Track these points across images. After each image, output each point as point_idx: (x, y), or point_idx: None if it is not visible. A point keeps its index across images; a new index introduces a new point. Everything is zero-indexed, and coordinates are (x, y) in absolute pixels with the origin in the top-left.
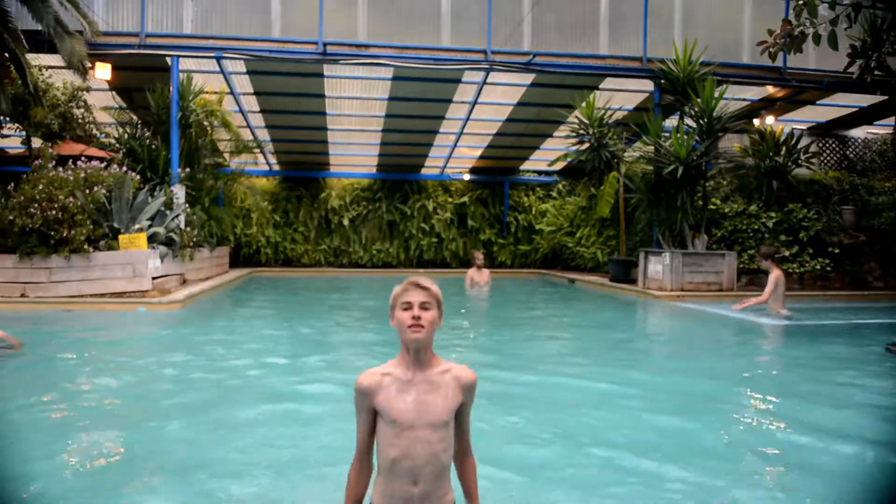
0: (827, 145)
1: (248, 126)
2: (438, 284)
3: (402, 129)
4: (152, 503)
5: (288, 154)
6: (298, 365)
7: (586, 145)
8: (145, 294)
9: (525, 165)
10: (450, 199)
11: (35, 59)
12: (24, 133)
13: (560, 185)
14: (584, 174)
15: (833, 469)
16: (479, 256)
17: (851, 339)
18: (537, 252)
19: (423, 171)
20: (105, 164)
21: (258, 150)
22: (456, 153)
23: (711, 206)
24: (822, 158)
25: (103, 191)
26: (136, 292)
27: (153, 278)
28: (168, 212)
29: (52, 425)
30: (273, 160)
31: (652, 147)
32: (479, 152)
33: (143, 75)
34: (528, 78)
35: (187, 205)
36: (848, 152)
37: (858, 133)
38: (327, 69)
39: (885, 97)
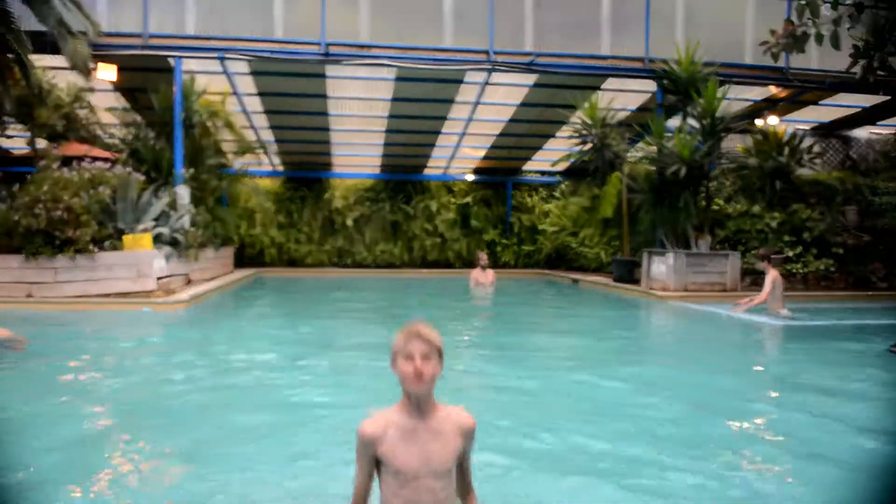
0: (830, 145)
1: (252, 126)
2: (442, 284)
3: (405, 129)
4: (155, 502)
5: (291, 154)
6: (302, 365)
7: (589, 146)
8: (150, 294)
9: (528, 166)
10: (453, 200)
11: (39, 60)
12: (28, 134)
13: (563, 186)
14: (588, 174)
15: (838, 462)
16: (483, 257)
17: (854, 339)
18: (541, 252)
19: (427, 171)
20: (109, 164)
21: (262, 151)
22: (459, 153)
23: (715, 207)
24: (825, 159)
25: (108, 191)
26: (140, 292)
27: (158, 278)
28: (172, 212)
29: (55, 425)
30: (277, 160)
31: (655, 147)
32: (482, 153)
33: (146, 76)
34: (531, 78)
35: (192, 205)
36: (851, 152)
37: (861, 133)
38: (330, 70)
39: (888, 97)
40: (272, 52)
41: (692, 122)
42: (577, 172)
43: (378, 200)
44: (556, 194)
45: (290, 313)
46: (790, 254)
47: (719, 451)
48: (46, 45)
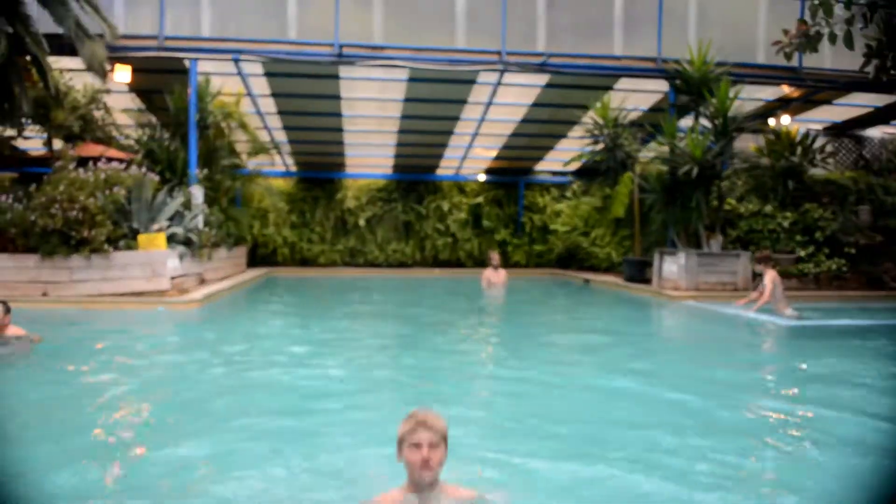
0: (843, 145)
1: (266, 127)
2: (454, 283)
3: (418, 129)
4: (164, 500)
5: (304, 155)
6: (317, 364)
7: (601, 146)
8: (164, 294)
9: (540, 166)
10: (465, 200)
11: (56, 63)
12: (45, 135)
13: (575, 186)
14: (599, 174)
15: (847, 461)
16: (495, 257)
17: (866, 338)
18: (552, 252)
19: (439, 171)
20: (125, 165)
21: (275, 151)
22: (471, 154)
23: (726, 207)
24: (837, 158)
25: (123, 191)
26: (154, 292)
27: (172, 278)
28: (187, 212)
29: (68, 423)
30: (290, 161)
31: (667, 147)
32: (494, 153)
33: (161, 77)
34: (543, 79)
35: (205, 205)
36: (864, 152)
37: (874, 133)
38: (343, 71)
39: None
40: (286, 53)
41: (704, 121)
42: (589, 172)
43: (390, 200)
44: (568, 194)
45: (303, 312)
46: (802, 253)
47: (733, 443)
48: (64, 47)
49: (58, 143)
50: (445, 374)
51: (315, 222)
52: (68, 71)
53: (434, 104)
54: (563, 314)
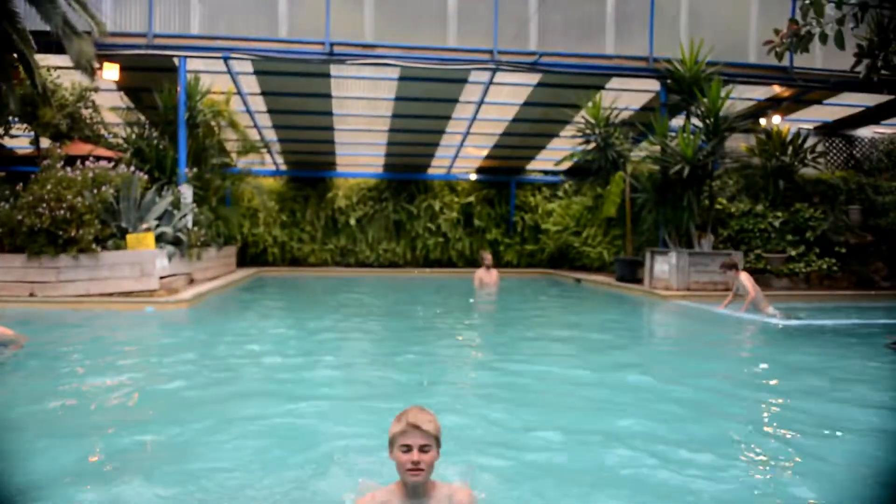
0: (833, 145)
1: (256, 126)
2: (445, 283)
3: (409, 129)
4: (152, 502)
5: (295, 154)
6: (305, 365)
7: (592, 145)
8: (153, 293)
9: (531, 165)
10: (456, 199)
11: (43, 60)
12: (32, 133)
13: (566, 185)
14: (591, 174)
15: (836, 458)
16: (487, 257)
17: (855, 337)
18: (543, 252)
19: (430, 170)
20: (113, 164)
21: (265, 150)
22: (462, 153)
23: (718, 206)
24: (828, 158)
25: (111, 190)
26: (143, 291)
27: (161, 278)
28: (175, 211)
29: (56, 423)
30: (280, 160)
31: (658, 147)
32: (485, 152)
33: (150, 76)
34: (535, 78)
35: (195, 204)
36: (854, 152)
37: (865, 132)
38: (334, 69)
39: (892, 96)
40: (277, 51)
41: (696, 121)
42: (581, 172)
43: (381, 200)
44: (560, 193)
45: (293, 313)
46: (793, 253)
47: (721, 444)
48: (51, 44)
49: (45, 142)
50: (438, 372)
51: (305, 222)
52: (56, 69)
53: (425, 103)
54: (555, 314)
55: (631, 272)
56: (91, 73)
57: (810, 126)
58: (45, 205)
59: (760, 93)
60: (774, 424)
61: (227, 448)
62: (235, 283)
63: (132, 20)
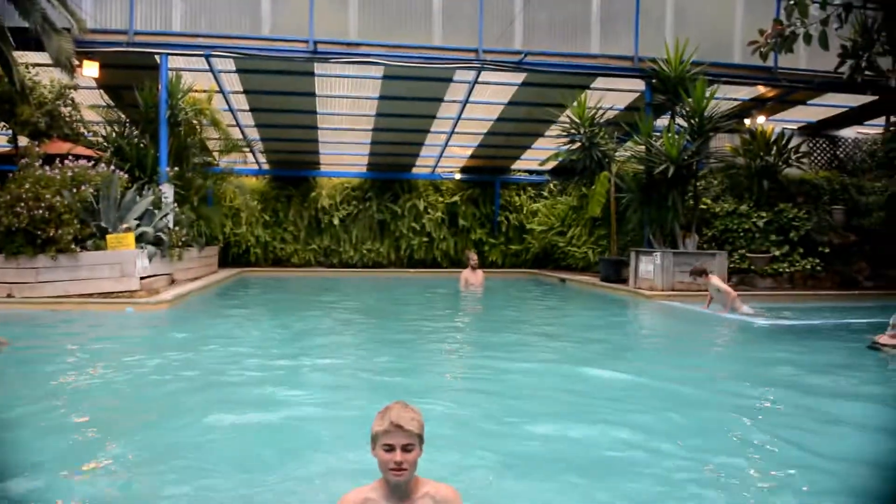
0: (817, 145)
1: (238, 125)
2: (429, 284)
3: (393, 128)
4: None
5: (278, 153)
6: (288, 366)
7: (577, 145)
8: (133, 294)
9: (516, 165)
10: (441, 199)
11: (22, 57)
12: (10, 131)
13: (551, 185)
14: (576, 174)
15: (814, 454)
16: (473, 257)
17: (837, 337)
18: (528, 252)
19: (414, 170)
20: (93, 162)
21: (248, 149)
22: (447, 152)
23: (702, 206)
24: (812, 158)
25: (91, 190)
26: (123, 292)
27: (141, 278)
28: (156, 211)
29: (35, 424)
30: (263, 159)
31: (643, 147)
32: (470, 151)
33: (131, 73)
34: (520, 77)
35: (176, 204)
36: (838, 152)
37: (848, 133)
38: (318, 68)
39: (875, 97)
40: (259, 49)
41: (680, 121)
42: (566, 171)
43: (365, 199)
44: (545, 193)
45: (275, 313)
46: (777, 253)
47: (703, 434)
48: (30, 41)
49: (23, 140)
50: (422, 372)
51: (288, 222)
52: (34, 66)
53: (410, 102)
54: (539, 314)
55: (616, 272)
56: (70, 70)
57: (794, 126)
58: (23, 204)
59: (745, 93)
60: (757, 418)
61: (207, 449)
62: (217, 284)
63: (112, 17)
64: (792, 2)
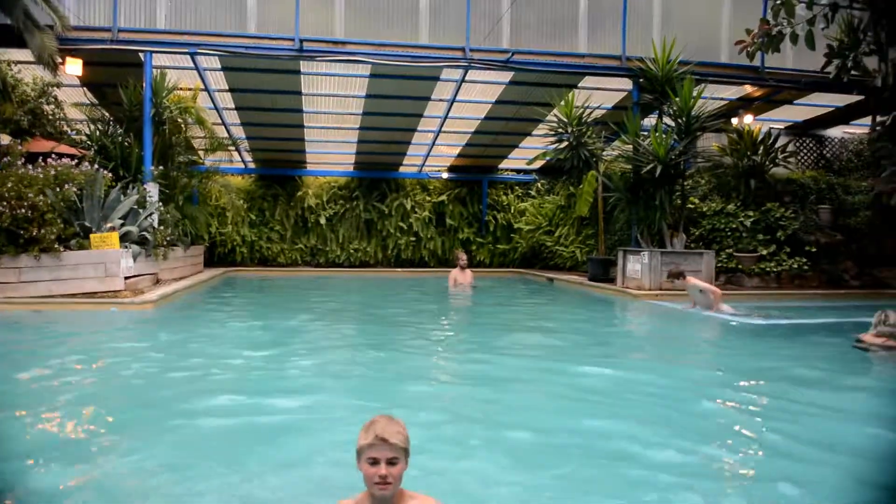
0: (804, 145)
1: (223, 123)
2: (418, 283)
3: (380, 126)
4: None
5: (264, 152)
6: (274, 366)
7: (565, 144)
8: (117, 294)
9: (504, 164)
10: (428, 198)
11: (3, 55)
12: None
13: (539, 184)
14: (563, 173)
15: (792, 452)
16: (462, 257)
17: (823, 335)
18: (516, 251)
19: (401, 169)
20: (76, 161)
21: (233, 148)
22: (434, 151)
23: (690, 205)
24: (799, 158)
25: (74, 189)
26: (108, 292)
27: (125, 278)
28: (141, 210)
29: (17, 428)
30: (249, 158)
31: (630, 146)
32: (457, 150)
33: (115, 71)
34: (507, 76)
35: (161, 203)
36: (825, 152)
37: (835, 132)
38: (304, 66)
39: (862, 97)
40: (245, 47)
41: (668, 120)
42: (553, 171)
43: (352, 198)
44: (532, 193)
45: (261, 313)
46: (764, 252)
47: (688, 431)
48: (12, 38)
49: (5, 138)
50: (411, 371)
51: (275, 221)
52: (17, 63)
53: (397, 101)
54: (527, 313)
55: (603, 271)
56: (53, 67)
57: (781, 126)
58: (4, 203)
59: (732, 92)
60: (744, 412)
61: (191, 449)
62: (203, 284)
63: (96, 14)
64: (779, 1)
